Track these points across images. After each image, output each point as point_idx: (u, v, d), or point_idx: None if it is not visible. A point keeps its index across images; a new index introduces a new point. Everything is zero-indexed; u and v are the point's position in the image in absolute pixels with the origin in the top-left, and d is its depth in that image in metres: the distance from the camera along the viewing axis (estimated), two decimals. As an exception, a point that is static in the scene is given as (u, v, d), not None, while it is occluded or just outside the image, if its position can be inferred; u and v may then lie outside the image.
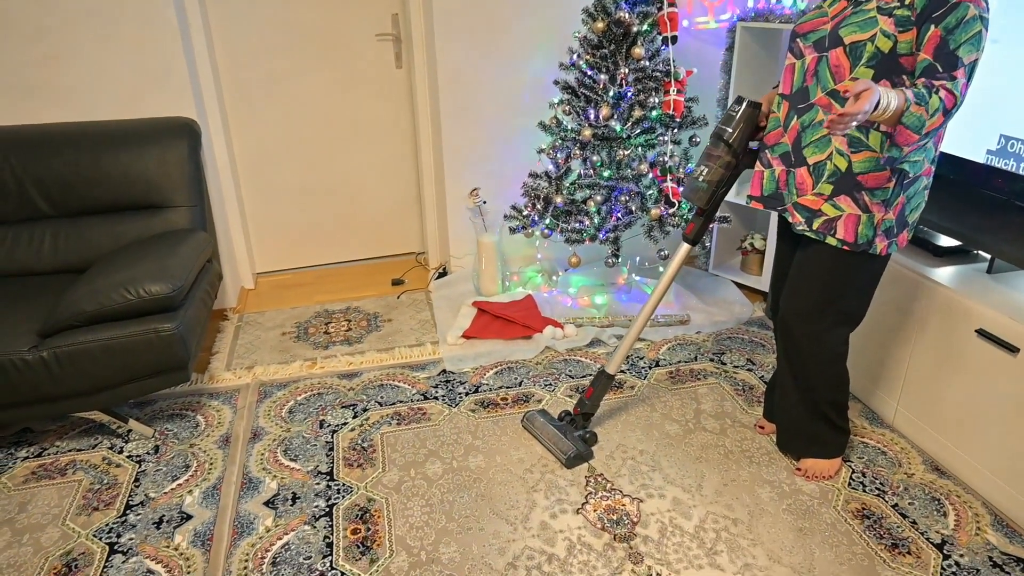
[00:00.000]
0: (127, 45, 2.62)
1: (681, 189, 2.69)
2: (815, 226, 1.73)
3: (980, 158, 2.11)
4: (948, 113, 1.49)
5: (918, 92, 1.49)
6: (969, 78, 1.50)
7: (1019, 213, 2.03)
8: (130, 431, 2.29)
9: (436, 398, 2.45)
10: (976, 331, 1.91)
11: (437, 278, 3.34)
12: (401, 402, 2.43)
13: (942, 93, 1.48)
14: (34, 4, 2.49)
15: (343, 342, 2.85)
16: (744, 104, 1.81)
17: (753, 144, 1.87)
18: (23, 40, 2.52)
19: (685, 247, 2.01)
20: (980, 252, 2.20)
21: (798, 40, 1.72)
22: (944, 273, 2.11)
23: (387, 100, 3.34)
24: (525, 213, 2.89)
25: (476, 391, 2.49)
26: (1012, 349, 1.82)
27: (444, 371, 2.62)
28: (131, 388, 2.11)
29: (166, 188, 2.55)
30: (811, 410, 1.97)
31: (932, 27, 1.49)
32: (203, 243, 2.46)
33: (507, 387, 2.51)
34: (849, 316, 1.85)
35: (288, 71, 3.16)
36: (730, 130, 1.82)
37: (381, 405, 2.42)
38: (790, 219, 1.77)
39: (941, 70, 1.50)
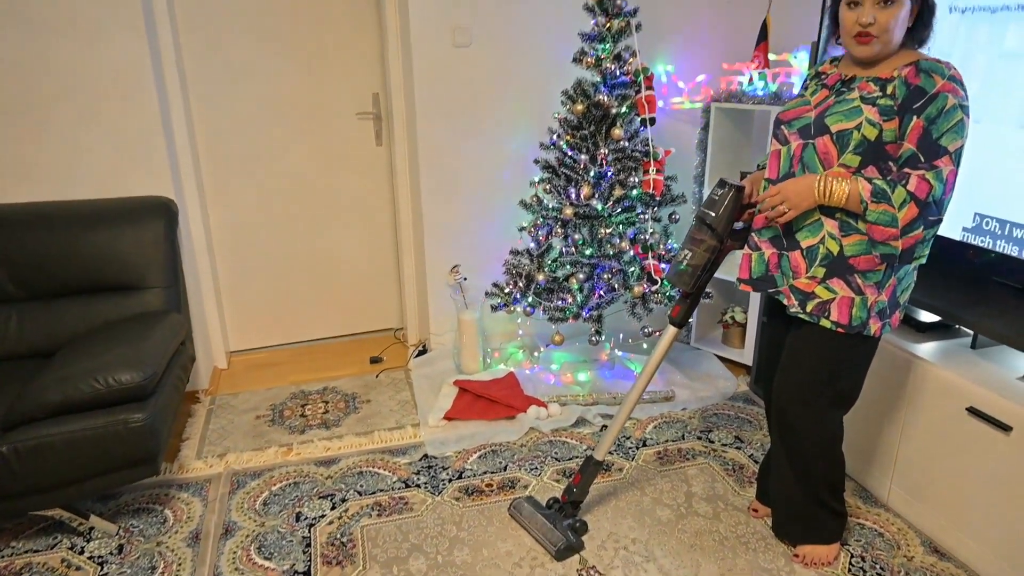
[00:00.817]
0: (107, 124, 2.60)
1: (664, 268, 2.70)
2: (809, 308, 1.72)
3: (957, 235, 2.15)
4: (923, 204, 1.51)
5: (877, 189, 1.53)
6: (956, 164, 1.53)
7: (998, 288, 2.06)
8: (92, 528, 2.15)
9: (418, 485, 2.35)
10: (967, 409, 1.90)
11: (417, 356, 3.27)
12: (382, 491, 2.33)
13: (912, 183, 1.50)
14: (12, 81, 2.47)
15: (320, 425, 2.74)
16: (727, 188, 1.82)
17: (737, 225, 1.88)
18: (-2, 120, 2.49)
19: (672, 330, 1.99)
20: (962, 327, 2.21)
21: (783, 127, 1.75)
22: (929, 349, 2.12)
23: (367, 176, 3.35)
24: (507, 290, 2.87)
25: (460, 477, 2.40)
26: (1005, 428, 1.80)
27: (426, 455, 2.53)
28: (96, 483, 1.99)
29: (141, 269, 2.48)
30: (808, 494, 1.92)
31: (914, 118, 1.53)
32: (177, 326, 2.38)
33: (492, 472, 2.43)
34: (844, 397, 1.83)
35: (268, 147, 3.16)
36: (713, 214, 1.82)
37: (360, 495, 2.31)
38: (785, 301, 1.77)
39: (923, 159, 1.53)
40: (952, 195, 1.56)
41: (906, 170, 1.54)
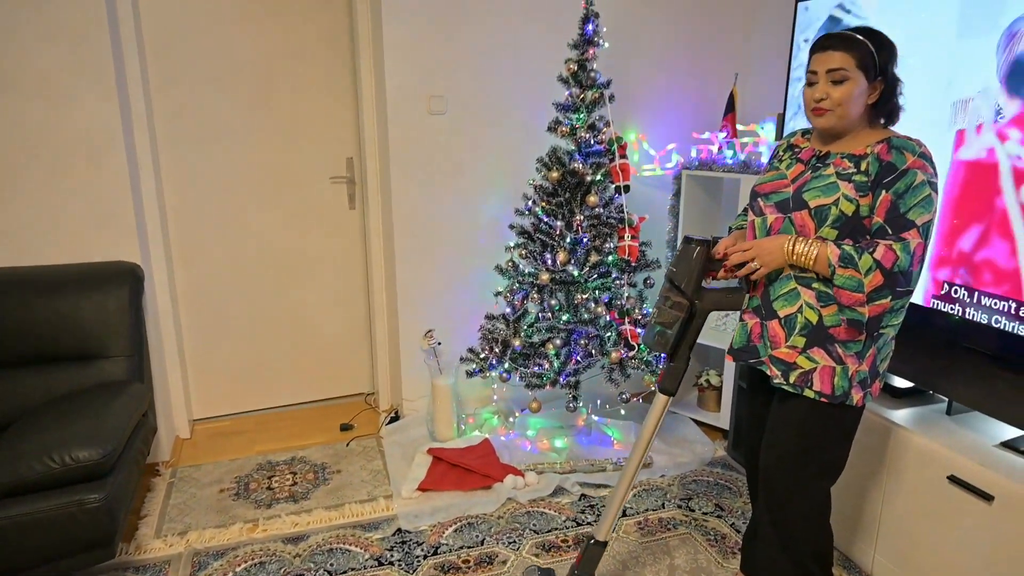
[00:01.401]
0: (73, 187, 2.54)
1: (640, 333, 2.69)
2: (792, 379, 1.72)
3: (927, 303, 2.19)
4: (889, 273, 1.54)
5: (844, 254, 1.56)
6: (925, 237, 1.56)
7: (968, 354, 2.09)
8: (38, 619, 1.99)
9: (392, 563, 2.25)
10: (948, 477, 1.90)
11: (389, 422, 3.18)
12: (353, 569, 2.22)
13: (879, 251, 1.54)
14: (-26, 149, 2.41)
15: (288, 499, 2.63)
16: (692, 244, 1.79)
17: (707, 284, 1.86)
18: (-42, 185, 2.42)
19: (661, 398, 1.91)
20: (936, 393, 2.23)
21: (759, 199, 1.78)
22: (906, 415, 2.13)
23: (339, 239, 3.32)
24: (483, 356, 2.83)
25: (435, 553, 2.30)
26: (987, 497, 1.80)
27: (399, 530, 2.43)
28: (45, 570, 1.86)
29: (103, 337, 2.39)
30: (796, 566, 1.87)
31: (884, 192, 1.58)
32: (139, 397, 2.28)
33: (468, 547, 2.34)
34: (830, 468, 1.81)
35: (239, 211, 3.12)
36: (677, 271, 1.81)
37: (330, 575, 2.19)
38: (768, 372, 1.76)
39: (891, 232, 1.57)
40: (921, 268, 1.59)
41: (876, 240, 1.58)
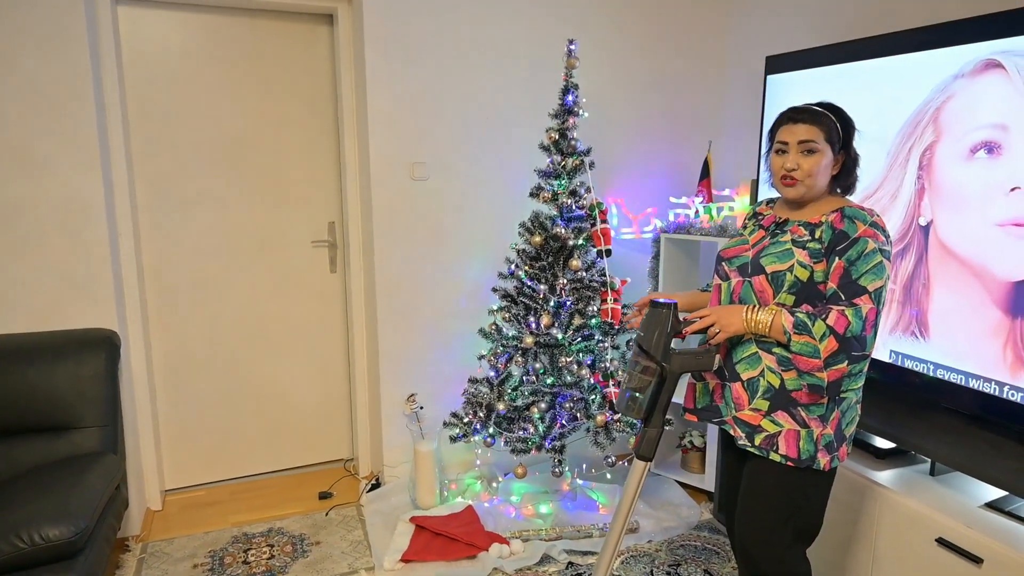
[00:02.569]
0: (52, 254, 2.51)
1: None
2: (757, 442, 1.74)
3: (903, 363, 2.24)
4: (843, 338, 1.58)
5: (798, 321, 1.60)
6: (877, 303, 1.61)
7: (947, 415, 2.13)
8: None
9: (375, 641, 2.16)
10: (937, 540, 1.90)
11: (369, 490, 3.11)
12: (335, 649, 2.13)
13: (831, 317, 1.58)
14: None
15: (265, 573, 2.53)
16: (658, 307, 1.80)
17: (674, 346, 1.87)
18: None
19: (638, 464, 1.89)
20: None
21: (723, 264, 1.84)
22: (891, 476, 2.14)
23: (320, 303, 3.30)
24: (466, 420, 2.80)
25: (420, 629, 2.22)
26: (976, 560, 1.80)
27: (383, 605, 2.35)
28: (7, 660, 1.75)
29: (77, 408, 2.32)
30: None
31: (837, 259, 1.64)
32: (112, 469, 2.20)
33: (455, 621, 2.26)
34: (805, 533, 1.82)
35: (217, 275, 3.09)
36: (645, 335, 1.82)
37: (312, 655, 2.10)
38: (731, 432, 1.78)
39: (844, 298, 1.62)
40: (875, 332, 1.62)
41: (829, 306, 1.62)
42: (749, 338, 1.74)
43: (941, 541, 1.89)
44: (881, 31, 2.51)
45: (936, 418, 2.15)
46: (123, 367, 2.66)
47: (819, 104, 1.75)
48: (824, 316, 1.60)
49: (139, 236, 2.91)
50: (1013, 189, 1.89)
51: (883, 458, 2.26)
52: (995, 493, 2.01)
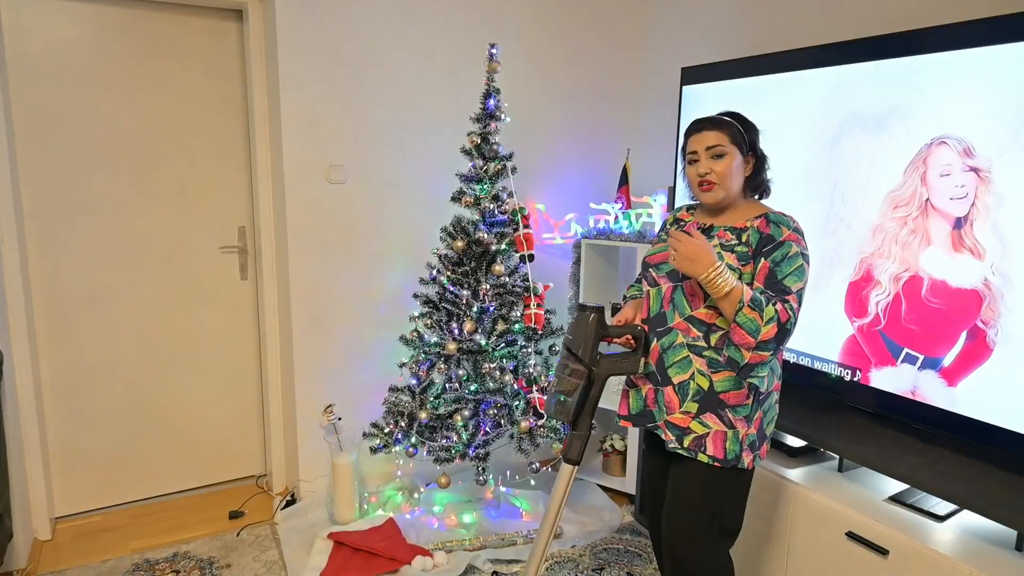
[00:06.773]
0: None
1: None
2: (686, 444, 1.77)
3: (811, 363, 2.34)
4: (783, 328, 1.63)
5: (755, 299, 1.63)
6: (799, 304, 1.68)
7: (852, 413, 2.24)
8: None
9: (293, 668, 2.06)
10: (847, 534, 1.99)
11: (284, 507, 2.97)
12: None
13: (779, 306, 1.64)
14: None
15: (171, 602, 2.37)
16: (586, 311, 1.81)
17: (610, 349, 1.89)
18: None
19: (566, 468, 1.90)
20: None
21: (651, 270, 1.87)
22: (801, 474, 2.22)
23: (229, 312, 3.13)
24: (387, 430, 2.72)
25: (341, 651, 2.13)
26: (882, 552, 1.89)
27: (301, 628, 2.24)
28: None
29: (-50, 432, 2.09)
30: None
31: (763, 260, 1.70)
32: (-5, 498, 2.00)
33: (378, 641, 2.18)
34: (728, 531, 1.87)
35: (116, 286, 2.88)
36: (573, 338, 1.83)
37: None
38: (663, 436, 1.81)
39: (772, 295, 1.67)
40: (793, 331, 1.69)
41: (773, 296, 1.66)
42: (681, 342, 1.76)
43: (851, 535, 1.98)
44: (784, 48, 2.63)
45: (843, 417, 2.25)
46: (6, 387, 2.44)
47: (722, 113, 1.81)
48: (772, 303, 1.63)
49: (25, 245, 2.67)
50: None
51: (794, 456, 2.35)
52: (898, 487, 2.12)
